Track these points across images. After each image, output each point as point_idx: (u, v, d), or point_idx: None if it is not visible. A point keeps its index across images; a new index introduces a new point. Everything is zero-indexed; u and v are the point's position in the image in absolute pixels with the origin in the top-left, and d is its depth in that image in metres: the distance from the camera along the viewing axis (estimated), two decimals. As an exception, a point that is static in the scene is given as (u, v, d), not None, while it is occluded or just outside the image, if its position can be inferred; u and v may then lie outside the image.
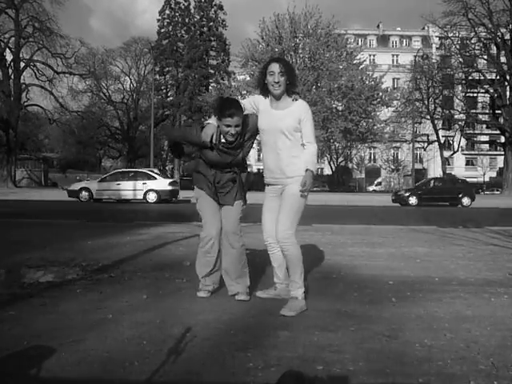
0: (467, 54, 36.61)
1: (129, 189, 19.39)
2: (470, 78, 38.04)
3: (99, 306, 3.09)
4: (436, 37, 46.46)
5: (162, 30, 51.70)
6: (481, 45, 36.46)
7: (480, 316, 2.99)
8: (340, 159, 52.56)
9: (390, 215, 14.35)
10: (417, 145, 42.61)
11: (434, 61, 42.33)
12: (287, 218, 3.11)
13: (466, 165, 60.53)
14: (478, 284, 3.93)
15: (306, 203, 3.20)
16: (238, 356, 2.28)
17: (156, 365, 2.14)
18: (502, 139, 38.47)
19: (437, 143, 42.44)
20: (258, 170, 40.25)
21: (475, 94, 42.34)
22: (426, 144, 46.47)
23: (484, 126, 48.15)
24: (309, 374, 2.07)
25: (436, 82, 40.07)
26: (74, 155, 55.73)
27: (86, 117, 45.27)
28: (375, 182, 55.28)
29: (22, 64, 37.50)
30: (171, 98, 51.64)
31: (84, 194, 19.32)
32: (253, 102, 3.26)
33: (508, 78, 35.14)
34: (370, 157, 57.35)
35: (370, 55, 53.57)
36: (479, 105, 45.02)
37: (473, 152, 59.25)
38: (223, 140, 3.17)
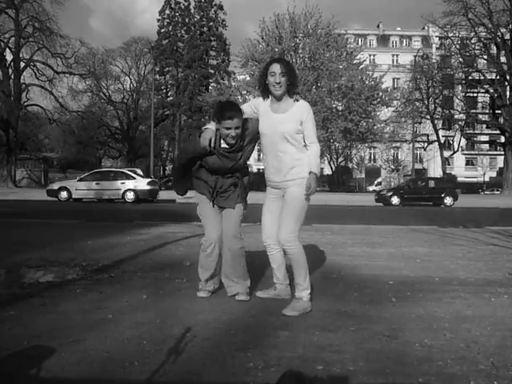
0: (467, 53, 36.62)
1: (107, 188, 19.26)
2: (469, 77, 38.05)
3: (99, 306, 3.10)
4: (436, 37, 46.49)
5: (162, 30, 51.83)
6: (481, 45, 36.48)
7: (480, 316, 3.00)
8: (340, 159, 52.51)
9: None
10: (417, 145, 42.64)
11: (433, 61, 42.34)
12: (291, 221, 3.10)
13: (466, 165, 60.55)
14: (478, 284, 3.93)
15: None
16: (237, 356, 2.28)
17: (156, 365, 2.14)
18: (502, 139, 38.48)
19: (437, 143, 42.45)
20: (258, 169, 40.26)
21: (475, 94, 42.35)
22: (426, 144, 46.47)
23: (484, 125, 48.16)
24: (309, 374, 2.07)
25: (436, 82, 40.09)
26: (74, 155, 55.67)
27: (86, 117, 45.20)
28: (375, 182, 55.19)
29: (22, 64, 37.44)
30: (171, 98, 51.75)
31: (62, 193, 19.19)
32: (253, 106, 3.25)
33: (508, 77, 35.15)
34: (370, 157, 57.33)
35: (369, 55, 53.55)
36: (479, 105, 45.03)
37: (473, 152, 59.25)
38: (224, 145, 3.16)
